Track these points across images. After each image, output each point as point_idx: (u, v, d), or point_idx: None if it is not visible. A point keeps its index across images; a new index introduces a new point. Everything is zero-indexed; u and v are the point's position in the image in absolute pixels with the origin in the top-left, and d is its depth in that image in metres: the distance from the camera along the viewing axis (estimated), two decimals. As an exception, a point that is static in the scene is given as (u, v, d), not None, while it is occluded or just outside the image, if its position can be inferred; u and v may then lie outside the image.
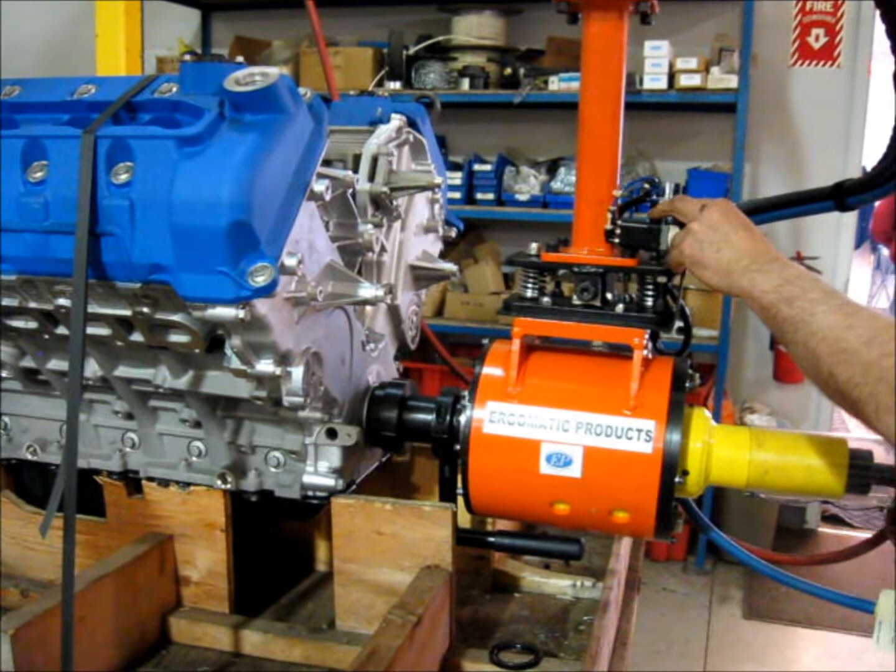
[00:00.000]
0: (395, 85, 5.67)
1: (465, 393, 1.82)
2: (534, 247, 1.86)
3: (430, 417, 1.91)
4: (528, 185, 5.68)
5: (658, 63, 5.16)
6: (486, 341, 1.88)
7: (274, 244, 1.49)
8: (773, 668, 4.63)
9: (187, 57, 1.57)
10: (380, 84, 5.74)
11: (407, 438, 1.99)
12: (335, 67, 5.68)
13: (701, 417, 1.75)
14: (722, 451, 1.71)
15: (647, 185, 1.87)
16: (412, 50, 5.80)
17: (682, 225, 1.71)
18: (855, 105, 5.64)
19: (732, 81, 5.13)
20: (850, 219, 5.74)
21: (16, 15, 6.76)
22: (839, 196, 1.77)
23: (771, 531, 5.60)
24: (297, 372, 1.65)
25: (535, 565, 2.24)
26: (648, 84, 5.18)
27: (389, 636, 1.58)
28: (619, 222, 1.82)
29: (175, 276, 1.48)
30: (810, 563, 2.20)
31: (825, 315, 1.37)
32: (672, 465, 1.66)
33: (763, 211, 1.85)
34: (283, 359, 1.62)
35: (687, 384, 1.74)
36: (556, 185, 5.61)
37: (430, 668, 1.74)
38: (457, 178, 5.74)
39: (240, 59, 1.58)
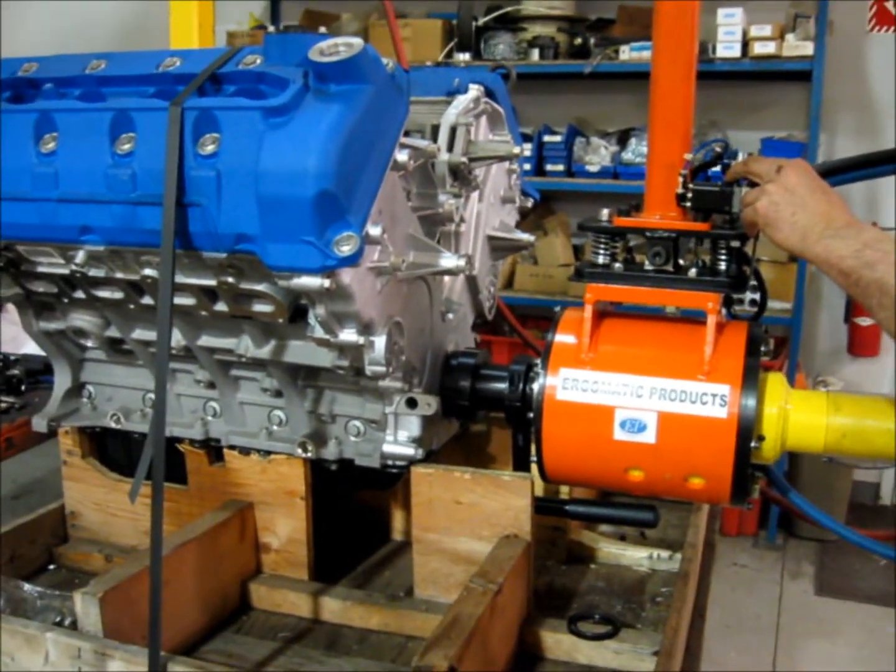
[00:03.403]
0: (465, 56, 5.58)
1: (538, 361, 1.82)
2: (605, 212, 1.85)
3: (503, 386, 1.91)
4: (598, 155, 5.62)
5: (731, 30, 5.06)
6: (557, 309, 1.88)
7: (358, 214, 1.50)
8: (845, 645, 4.57)
9: (271, 28, 1.58)
10: (449, 56, 5.72)
11: (480, 407, 2.00)
12: (404, 40, 5.63)
13: (777, 382, 1.73)
14: (798, 416, 1.69)
15: (717, 148, 1.84)
16: (481, 21, 5.76)
17: (756, 186, 1.68)
18: (934, 72, 5.49)
19: (808, 49, 5.02)
20: (928, 189, 5.62)
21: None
22: None
23: (844, 507, 5.52)
24: (380, 341, 1.66)
25: (611, 536, 2.24)
26: (722, 52, 5.09)
27: (471, 604, 1.59)
28: (691, 186, 1.79)
29: (261, 245, 1.49)
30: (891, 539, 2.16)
31: None
32: (747, 430, 1.65)
33: (841, 172, 1.81)
34: (366, 328, 1.63)
35: (762, 349, 1.73)
36: (627, 155, 5.55)
37: (509, 637, 1.75)
38: (526, 149, 5.66)
39: (322, 29, 1.58)
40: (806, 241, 1.53)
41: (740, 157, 1.80)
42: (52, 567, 2.15)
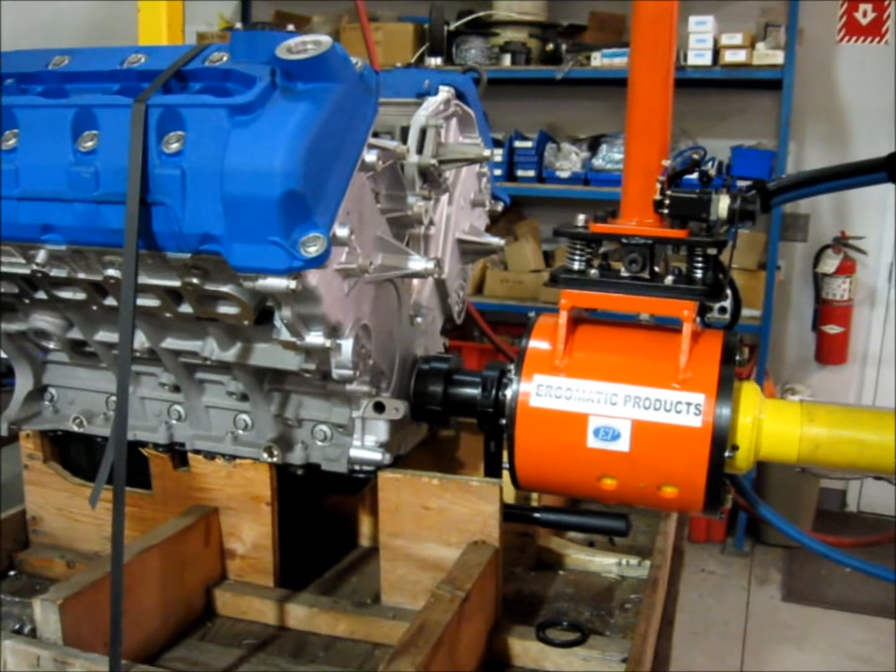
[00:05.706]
0: (436, 61, 5.61)
1: (511, 367, 1.80)
2: (581, 218, 1.83)
3: (476, 391, 1.90)
4: (569, 161, 5.62)
5: (703, 39, 5.06)
6: (532, 314, 1.86)
7: (325, 214, 1.48)
8: (811, 651, 4.58)
9: (238, 25, 1.56)
10: (420, 60, 5.70)
11: (452, 413, 1.98)
12: (375, 43, 5.63)
13: (751, 391, 1.73)
14: (772, 426, 1.69)
15: (694, 156, 1.84)
16: (453, 25, 5.75)
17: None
18: (902, 81, 5.52)
19: (778, 57, 5.04)
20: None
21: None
22: (893, 167, 1.73)
23: (811, 514, 5.55)
24: (347, 344, 1.63)
25: (580, 543, 2.22)
26: (693, 60, 5.10)
27: (438, 611, 1.57)
28: (669, 192, 1.78)
29: (226, 246, 1.47)
30: (858, 546, 2.16)
31: None
32: (722, 440, 1.64)
33: (812, 183, 1.81)
34: (333, 331, 1.61)
35: (737, 358, 1.72)
36: (598, 162, 5.54)
37: (477, 644, 1.73)
38: (497, 154, 5.66)
39: (290, 27, 1.56)
40: None
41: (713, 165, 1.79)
42: (12, 573, 2.11)
